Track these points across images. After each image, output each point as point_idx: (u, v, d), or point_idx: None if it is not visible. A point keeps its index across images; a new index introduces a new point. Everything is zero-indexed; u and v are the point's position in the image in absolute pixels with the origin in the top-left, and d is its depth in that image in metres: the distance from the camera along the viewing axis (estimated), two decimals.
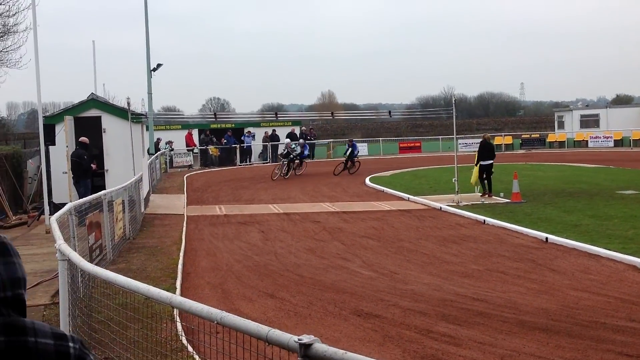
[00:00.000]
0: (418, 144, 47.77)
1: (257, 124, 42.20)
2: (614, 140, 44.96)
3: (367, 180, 26.99)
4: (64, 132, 18.17)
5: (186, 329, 6.97)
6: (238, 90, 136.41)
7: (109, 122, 20.39)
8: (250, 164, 39.48)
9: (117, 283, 4.78)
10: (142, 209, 17.52)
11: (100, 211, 11.69)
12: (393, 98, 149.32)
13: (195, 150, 39.54)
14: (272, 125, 41.24)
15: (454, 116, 21.57)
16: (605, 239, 12.86)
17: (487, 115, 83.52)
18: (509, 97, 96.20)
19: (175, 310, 6.99)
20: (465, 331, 7.72)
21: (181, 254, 12.45)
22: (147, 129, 29.41)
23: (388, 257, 12.47)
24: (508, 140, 48.17)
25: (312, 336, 2.89)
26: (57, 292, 7.74)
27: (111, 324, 5.79)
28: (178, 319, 7.38)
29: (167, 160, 36.80)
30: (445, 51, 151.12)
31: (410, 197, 21.06)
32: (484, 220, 16.02)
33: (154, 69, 32.88)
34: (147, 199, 19.65)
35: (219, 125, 41.50)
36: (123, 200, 13.87)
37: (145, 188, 18.83)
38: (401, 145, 47.70)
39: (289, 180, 27.87)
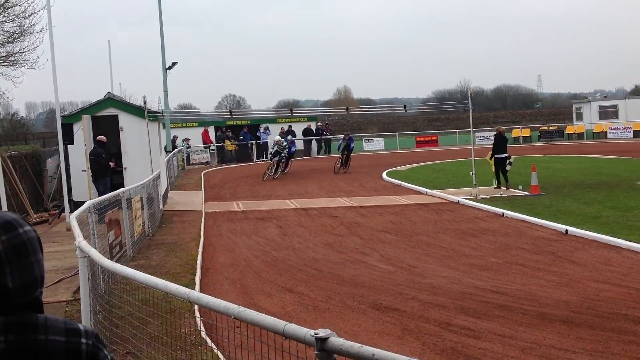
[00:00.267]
0: (435, 138, 47.58)
1: (272, 120, 42.24)
2: (634, 131, 44.48)
3: (384, 174, 26.94)
4: (82, 131, 18.32)
5: (206, 324, 7.00)
6: (254, 87, 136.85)
7: (126, 121, 20.54)
8: (267, 160, 39.54)
9: (136, 279, 4.81)
10: (161, 206, 17.62)
11: (119, 208, 11.77)
12: (409, 92, 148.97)
13: (212, 147, 39.68)
14: (288, 121, 41.25)
15: (470, 109, 21.46)
16: (625, 230, 12.74)
17: (505, 108, 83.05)
18: (526, 89, 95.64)
19: (195, 305, 7.02)
20: (485, 324, 7.69)
21: (200, 250, 12.51)
22: (164, 127, 29.59)
23: (406, 251, 12.44)
24: (526, 132, 47.83)
25: (328, 330, 2.90)
26: (78, 289, 7.81)
27: (132, 319, 5.83)
28: (198, 314, 7.42)
29: (185, 158, 36.96)
30: (461, 45, 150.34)
31: (428, 190, 20.99)
32: (503, 213, 15.94)
33: (169, 67, 33.04)
34: (165, 196, 19.76)
35: (235, 122, 41.60)
36: (141, 198, 13.96)
37: (163, 185, 18.93)
38: (418, 139, 47.53)
39: (305, 176, 27.83)
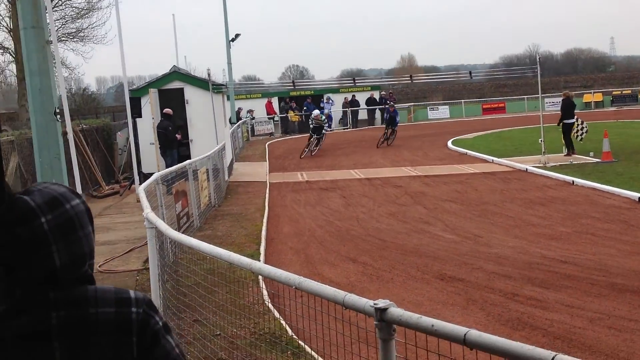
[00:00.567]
0: (502, 105, 46.44)
1: (335, 90, 42.07)
2: None
3: (449, 143, 26.56)
4: (149, 105, 18.72)
5: (270, 293, 7.12)
6: (317, 56, 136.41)
7: (191, 94, 20.84)
8: (330, 130, 39.54)
9: (201, 249, 4.91)
10: (226, 177, 17.90)
11: (186, 180, 12.02)
12: (475, 58, 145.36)
13: (276, 118, 39.92)
14: (351, 91, 41.02)
15: (539, 75, 20.83)
16: None
17: (576, 72, 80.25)
18: (598, 52, 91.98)
19: (259, 275, 7.14)
20: (552, 294, 7.54)
21: (264, 220, 12.67)
22: (228, 99, 29.91)
23: (471, 220, 12.28)
24: (598, 97, 46.13)
25: (388, 300, 2.89)
26: (148, 258, 8.05)
27: (198, 288, 5.97)
28: (262, 284, 7.55)
29: (249, 129, 37.34)
30: (530, 7, 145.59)
31: (495, 159, 20.59)
32: (573, 181, 15.51)
33: (233, 40, 33.28)
34: (230, 167, 20.06)
35: (298, 93, 41.65)
36: (207, 169, 14.21)
37: (228, 156, 19.21)
38: (484, 106, 46.51)
39: (369, 146, 27.64)
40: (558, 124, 20.02)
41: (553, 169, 17.54)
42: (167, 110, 18.56)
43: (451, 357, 2.83)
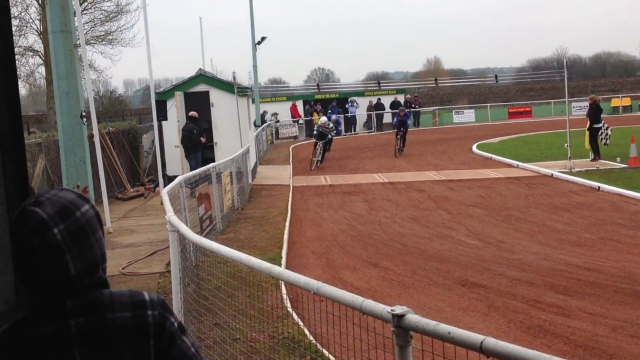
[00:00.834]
0: (528, 109, 46.02)
1: (361, 93, 42.08)
2: None
3: (474, 147, 26.39)
4: (175, 107, 18.90)
5: (292, 298, 7.14)
6: (343, 59, 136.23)
7: (216, 97, 21.04)
8: (355, 134, 39.53)
9: (221, 253, 4.95)
10: (250, 180, 17.99)
11: (209, 183, 12.11)
12: (503, 61, 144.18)
13: (300, 121, 40.00)
14: (376, 94, 40.99)
15: (566, 78, 20.62)
16: None
17: (604, 76, 79.28)
18: (627, 56, 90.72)
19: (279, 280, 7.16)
20: (574, 301, 7.47)
21: (287, 224, 12.71)
22: (253, 102, 30.06)
23: (495, 226, 12.20)
24: (626, 102, 45.46)
25: (405, 307, 2.89)
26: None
27: (219, 292, 6.02)
28: (284, 289, 7.57)
29: (273, 132, 37.47)
30: (558, 10, 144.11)
31: (520, 163, 20.43)
32: (599, 187, 15.33)
33: (259, 43, 33.40)
34: (254, 170, 20.16)
35: (322, 96, 41.72)
36: (231, 172, 14.29)
37: (252, 159, 19.31)
38: (510, 110, 46.12)
39: (393, 149, 27.52)
40: (588, 129, 19.80)
41: (579, 174, 17.35)
42: (192, 113, 18.72)
43: None
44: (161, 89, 24.88)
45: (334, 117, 27.10)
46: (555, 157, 20.64)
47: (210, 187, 12.04)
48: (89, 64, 23.53)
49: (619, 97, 46.32)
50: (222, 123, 20.76)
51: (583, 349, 6.18)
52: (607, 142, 19.76)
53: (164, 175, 17.60)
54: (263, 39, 33.92)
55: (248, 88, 24.94)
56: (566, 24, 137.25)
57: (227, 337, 5.81)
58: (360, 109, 40.58)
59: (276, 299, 7.07)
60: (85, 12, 30.23)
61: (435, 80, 27.44)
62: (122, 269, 9.72)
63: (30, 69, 31.86)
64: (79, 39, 11.50)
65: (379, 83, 31.06)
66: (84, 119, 9.33)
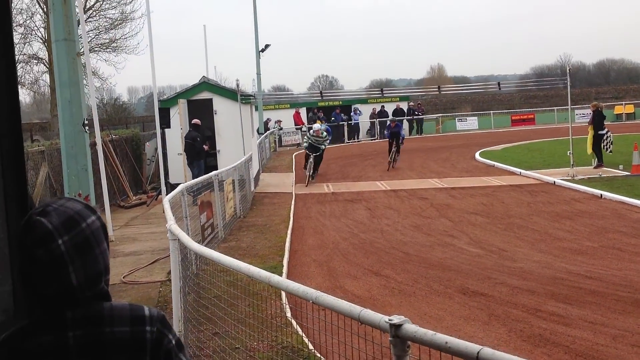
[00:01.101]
0: (532, 116, 46.01)
1: (364, 101, 42.11)
2: None
3: (477, 154, 26.39)
4: (178, 115, 18.95)
5: (292, 307, 7.15)
6: (346, 67, 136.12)
7: (219, 104, 21.03)
8: (358, 141, 39.55)
9: (221, 262, 4.97)
10: (252, 188, 18.01)
11: (212, 191, 12.12)
12: (506, 69, 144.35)
13: (304, 129, 40.03)
14: (380, 102, 41.03)
15: (569, 86, 20.64)
16: None
17: (608, 83, 79.22)
18: (631, 63, 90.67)
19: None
20: (575, 310, 7.46)
21: (289, 232, 12.71)
22: (256, 109, 30.12)
23: (497, 234, 12.20)
24: (629, 109, 45.41)
25: (403, 317, 2.90)
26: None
27: (219, 301, 6.03)
28: (284, 298, 7.57)
29: (277, 139, 37.52)
30: (562, 17, 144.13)
31: (522, 171, 20.43)
32: (601, 195, 15.32)
33: (262, 50, 33.55)
34: (257, 178, 20.18)
35: (326, 103, 41.77)
36: (233, 180, 14.31)
37: (255, 167, 19.33)
38: (513, 117, 46.13)
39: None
40: (593, 136, 19.79)
41: (581, 182, 17.34)
42: (196, 120, 18.76)
43: None
44: (165, 97, 24.95)
45: (325, 126, 24.68)
46: (558, 165, 20.63)
47: (212, 195, 12.06)
48: (92, 72, 23.63)
49: (622, 104, 46.29)
50: (225, 130, 20.76)
51: (583, 358, 6.17)
52: (611, 149, 19.78)
53: (167, 183, 17.62)
54: (267, 46, 34.08)
55: (251, 95, 24.95)
56: (570, 31, 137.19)
57: (227, 346, 5.82)
58: (363, 116, 40.63)
59: (276, 308, 7.08)
60: (89, 19, 30.40)
61: (439, 87, 27.45)
62: (123, 277, 9.72)
63: (34, 77, 32.04)
64: (82, 48, 11.55)
65: (382, 90, 31.08)
66: (86, 127, 9.36)
